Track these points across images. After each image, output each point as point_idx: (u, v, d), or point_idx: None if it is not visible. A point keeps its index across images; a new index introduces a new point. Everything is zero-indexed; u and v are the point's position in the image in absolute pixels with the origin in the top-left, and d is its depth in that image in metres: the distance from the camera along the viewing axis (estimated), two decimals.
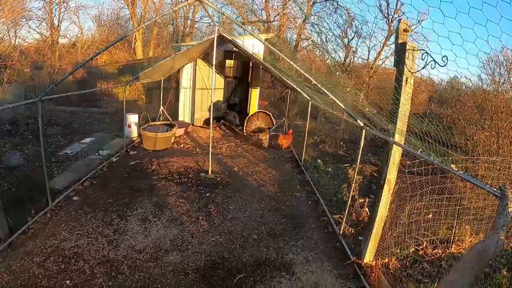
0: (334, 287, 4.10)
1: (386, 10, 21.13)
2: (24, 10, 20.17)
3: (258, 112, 11.33)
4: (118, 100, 15.30)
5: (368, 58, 24.00)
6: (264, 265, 4.39)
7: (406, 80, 3.87)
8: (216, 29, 6.64)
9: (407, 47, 3.77)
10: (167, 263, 4.27)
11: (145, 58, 22.39)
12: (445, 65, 3.13)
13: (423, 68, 3.78)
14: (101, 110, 14.11)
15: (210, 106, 7.68)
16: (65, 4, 24.13)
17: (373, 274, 4.14)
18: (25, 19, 20.59)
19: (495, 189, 1.91)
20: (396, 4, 20.26)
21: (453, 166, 3.15)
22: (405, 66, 3.79)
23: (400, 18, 19.87)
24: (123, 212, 5.50)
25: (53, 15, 23.64)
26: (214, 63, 6.99)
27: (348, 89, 7.24)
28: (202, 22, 15.08)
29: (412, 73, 3.86)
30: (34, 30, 22.29)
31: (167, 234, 4.94)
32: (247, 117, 11.19)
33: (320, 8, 24.00)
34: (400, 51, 3.85)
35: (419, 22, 18.88)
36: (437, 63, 3.24)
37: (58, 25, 24.31)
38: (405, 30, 3.88)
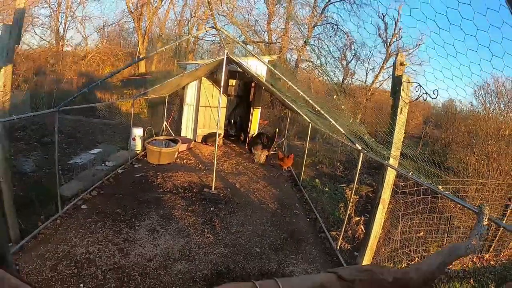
0: None
1: (385, 34, 21.69)
2: (31, 16, 20.64)
3: (260, 133, 11.73)
4: (120, 112, 15.62)
5: (366, 80, 24.57)
6: (267, 276, 4.69)
7: (401, 110, 4.27)
8: (225, 52, 7.02)
9: (403, 79, 4.18)
10: (176, 271, 4.55)
11: (147, 72, 22.79)
12: (436, 98, 3.52)
13: (416, 99, 4.21)
14: (104, 121, 14.37)
15: (216, 124, 8.01)
16: (71, 13, 24.67)
17: None
18: (31, 25, 21.04)
19: (474, 206, 2.27)
20: (394, 28, 20.84)
21: (439, 187, 3.50)
22: (400, 97, 4.20)
23: (397, 52, 20.48)
24: (131, 222, 5.77)
25: (59, 23, 24.14)
26: (222, 84, 7.37)
27: (343, 107, 7.55)
28: (205, 40, 15.51)
29: (407, 103, 4.27)
30: (40, 36, 22.60)
31: (175, 244, 5.22)
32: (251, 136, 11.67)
33: (320, 30, 24.51)
34: (397, 83, 4.26)
35: (416, 46, 19.45)
36: (429, 95, 3.64)
37: (64, 34, 24.80)
38: (402, 64, 4.32)
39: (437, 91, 3.46)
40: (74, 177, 7.47)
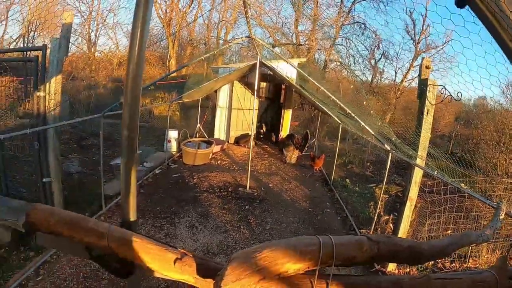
0: None
1: (413, 31, 21.48)
2: (60, 23, 21.51)
3: (291, 134, 12.01)
4: (153, 115, 16.17)
5: (395, 79, 24.36)
6: None
7: (427, 111, 4.49)
8: (258, 58, 7.34)
9: (428, 82, 4.40)
10: None
11: (178, 76, 23.35)
12: (459, 100, 3.72)
13: (441, 101, 4.43)
14: (139, 124, 14.91)
15: (251, 126, 8.32)
16: (102, 20, 25.59)
17: None
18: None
19: (494, 203, 2.49)
20: (422, 25, 20.64)
21: (462, 184, 3.70)
22: (426, 99, 4.41)
23: (425, 50, 20.24)
24: (171, 219, 6.18)
25: (90, 30, 25.08)
26: (256, 88, 7.69)
27: (372, 112, 7.71)
28: (235, 43, 15.83)
29: (432, 105, 4.48)
30: (72, 43, 23.49)
31: (213, 240, 5.57)
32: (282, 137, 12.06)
33: (348, 30, 24.48)
34: (422, 86, 4.48)
35: (444, 43, 19.23)
36: (453, 97, 3.85)
37: (95, 40, 25.76)
38: (427, 67, 4.54)
39: (461, 93, 3.66)
40: (115, 177, 7.95)
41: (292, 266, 1.20)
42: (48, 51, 5.03)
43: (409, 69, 22.48)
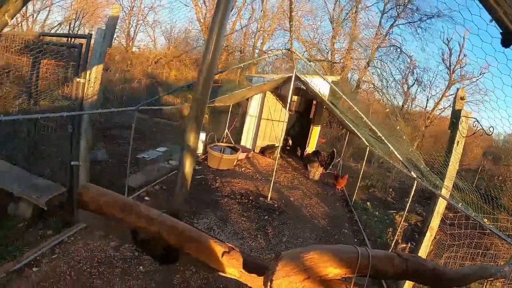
0: None
1: (449, 60, 21.23)
2: (105, 17, 22.21)
3: (317, 151, 12.00)
4: (182, 115, 16.41)
5: (426, 106, 24.09)
6: None
7: (458, 142, 4.46)
8: (294, 72, 7.42)
9: (462, 113, 4.38)
10: None
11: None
12: (491, 134, 3.70)
13: (472, 134, 4.39)
14: (167, 122, 15.18)
15: (280, 138, 8.38)
16: (143, 17, 26.21)
17: None
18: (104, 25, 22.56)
19: None
20: (459, 55, 20.40)
21: (485, 220, 3.66)
22: (457, 131, 4.39)
23: (460, 80, 19.95)
24: (190, 218, 6.27)
25: (130, 25, 25.72)
26: (289, 101, 7.76)
27: (404, 137, 7.66)
28: (273, 55, 15.98)
29: (463, 137, 4.45)
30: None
31: (230, 243, 5.61)
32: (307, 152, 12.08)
33: (384, 52, 24.41)
34: (455, 117, 4.46)
35: (480, 75, 18.97)
36: (485, 132, 3.82)
37: (134, 36, 26.38)
38: (462, 98, 4.52)
39: (493, 128, 3.62)
40: (139, 170, 8.12)
41: (333, 271, 1.28)
42: (93, 40, 5.22)
43: (441, 98, 22.27)
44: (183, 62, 26.14)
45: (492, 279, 1.75)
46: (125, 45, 25.50)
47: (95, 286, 4.03)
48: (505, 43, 1.29)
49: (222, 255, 1.37)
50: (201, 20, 25.68)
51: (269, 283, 1.23)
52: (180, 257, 1.50)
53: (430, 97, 24.17)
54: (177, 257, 1.49)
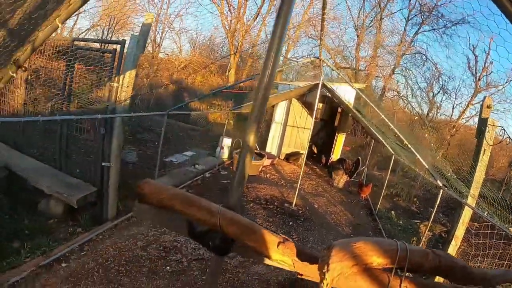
0: None
1: (474, 67, 20.92)
2: (132, 23, 22.77)
3: (342, 159, 12.04)
4: (207, 120, 16.65)
5: (451, 115, 23.76)
6: None
7: (484, 151, 4.48)
8: (321, 79, 7.50)
9: (488, 122, 4.39)
10: (253, 272, 5.01)
11: (235, 86, 23.89)
12: None
13: (499, 142, 4.41)
14: (192, 127, 15.41)
15: (306, 146, 8.45)
16: (169, 23, 26.69)
17: None
18: (132, 32, 23.17)
19: None
20: (485, 62, 20.07)
21: (511, 229, 3.67)
22: (484, 139, 4.41)
23: (486, 88, 19.62)
24: None
25: (156, 32, 26.21)
26: (315, 108, 7.84)
27: (432, 145, 7.64)
28: (302, 62, 16.08)
29: (490, 145, 4.46)
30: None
31: None
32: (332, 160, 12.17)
33: (409, 60, 24.21)
34: (482, 125, 4.48)
35: (506, 82, 18.61)
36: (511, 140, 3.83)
37: (160, 42, 26.89)
38: (488, 107, 4.54)
39: None
40: (167, 173, 8.31)
41: (376, 260, 1.42)
42: (126, 46, 5.42)
43: (467, 106, 21.95)
44: (209, 69, 26.45)
45: None
46: (151, 51, 25.97)
47: (122, 283, 4.15)
48: None
49: (278, 245, 1.50)
50: (226, 27, 25.97)
51: (326, 266, 1.37)
52: (234, 247, 1.62)
53: (456, 106, 23.84)
54: (232, 247, 1.61)
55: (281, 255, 1.52)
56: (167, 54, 26.71)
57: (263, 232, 1.54)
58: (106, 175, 5.48)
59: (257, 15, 26.02)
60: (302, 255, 1.54)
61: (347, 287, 1.46)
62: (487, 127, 4.38)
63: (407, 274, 1.48)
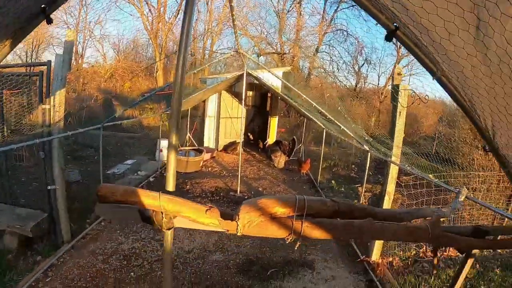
0: (347, 279, 5.08)
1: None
2: (51, 36, 21.92)
3: (278, 141, 12.48)
4: (142, 126, 16.49)
5: (378, 83, 25.02)
6: (291, 263, 5.37)
7: (400, 113, 4.98)
8: (245, 70, 7.79)
9: (400, 87, 4.90)
10: (212, 261, 5.29)
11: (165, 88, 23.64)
12: (427, 102, 4.20)
13: (411, 104, 4.94)
14: (129, 135, 15.21)
15: (240, 134, 8.73)
16: (89, 32, 25.92)
17: (379, 269, 5.13)
18: (52, 45, 22.32)
19: (456, 188, 2.90)
20: None
21: (430, 175, 4.17)
22: (398, 103, 4.91)
23: (406, 59, 20.75)
24: None
25: (77, 42, 25.34)
26: (244, 98, 8.13)
27: (346, 117, 8.15)
28: (224, 57, 16.27)
29: (404, 107, 4.98)
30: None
31: (209, 239, 5.96)
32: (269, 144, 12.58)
33: (331, 37, 25.07)
34: (395, 91, 4.98)
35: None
36: (422, 100, 4.33)
37: (82, 52, 26.07)
38: (399, 74, 5.05)
39: (428, 96, 4.12)
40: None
41: (279, 209, 1.87)
42: (52, 66, 5.35)
43: (392, 73, 23.15)
44: (135, 73, 25.98)
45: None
46: (74, 63, 25.09)
47: None
48: (387, 39, 1.81)
49: (206, 211, 1.86)
50: (148, 28, 25.62)
51: (236, 217, 1.83)
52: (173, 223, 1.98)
53: (381, 74, 25.13)
54: (173, 223, 1.98)
55: (209, 219, 1.88)
56: (92, 65, 25.98)
57: (194, 205, 1.90)
58: (53, 198, 5.41)
59: (178, 12, 25.88)
60: (224, 215, 1.90)
61: (261, 233, 1.90)
62: (399, 92, 4.87)
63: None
